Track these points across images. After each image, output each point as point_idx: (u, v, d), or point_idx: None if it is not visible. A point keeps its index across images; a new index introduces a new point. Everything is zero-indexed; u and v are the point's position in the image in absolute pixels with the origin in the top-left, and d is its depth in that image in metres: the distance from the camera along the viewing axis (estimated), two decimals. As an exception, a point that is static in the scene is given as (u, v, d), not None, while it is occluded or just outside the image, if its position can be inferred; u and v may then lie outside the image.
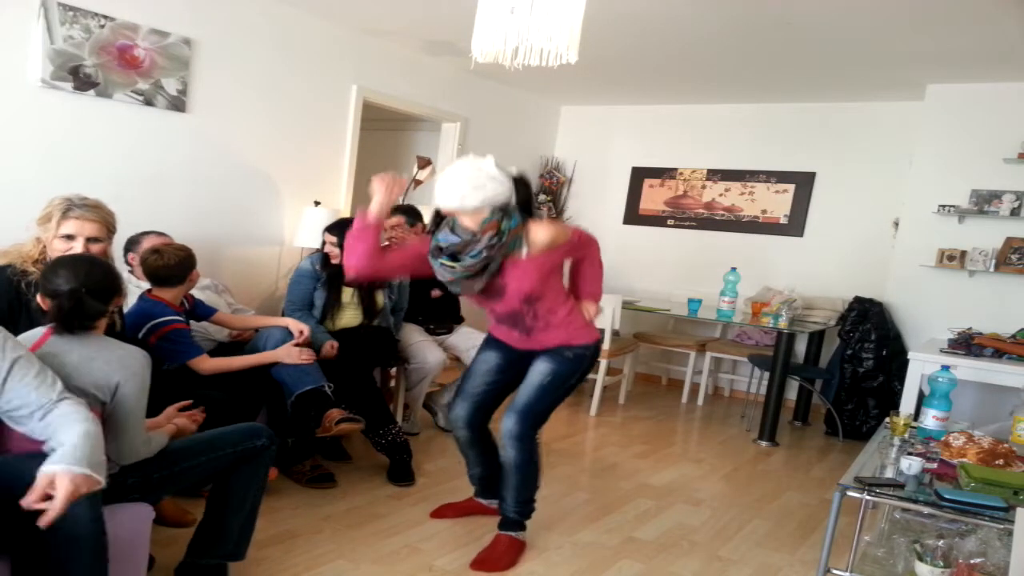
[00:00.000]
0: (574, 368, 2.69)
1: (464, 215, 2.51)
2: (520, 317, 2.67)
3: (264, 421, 3.12)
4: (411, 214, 4.13)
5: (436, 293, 4.14)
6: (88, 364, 1.83)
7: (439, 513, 3.11)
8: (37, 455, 1.63)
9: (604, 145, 6.64)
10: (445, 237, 2.55)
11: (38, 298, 1.97)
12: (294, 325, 3.21)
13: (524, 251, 2.53)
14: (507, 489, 2.76)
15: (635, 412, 5.29)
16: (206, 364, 2.92)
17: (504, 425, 2.67)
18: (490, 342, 2.87)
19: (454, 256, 2.53)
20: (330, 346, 3.41)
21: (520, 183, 2.58)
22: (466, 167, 2.49)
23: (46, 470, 1.54)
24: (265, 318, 3.36)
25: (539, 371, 2.67)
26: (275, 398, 3.14)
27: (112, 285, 1.95)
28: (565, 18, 2.43)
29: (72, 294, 1.84)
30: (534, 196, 2.73)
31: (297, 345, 3.12)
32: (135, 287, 3.00)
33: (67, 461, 1.55)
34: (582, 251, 2.76)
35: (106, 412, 1.87)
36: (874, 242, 5.45)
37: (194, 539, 2.26)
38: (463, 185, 2.45)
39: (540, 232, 2.50)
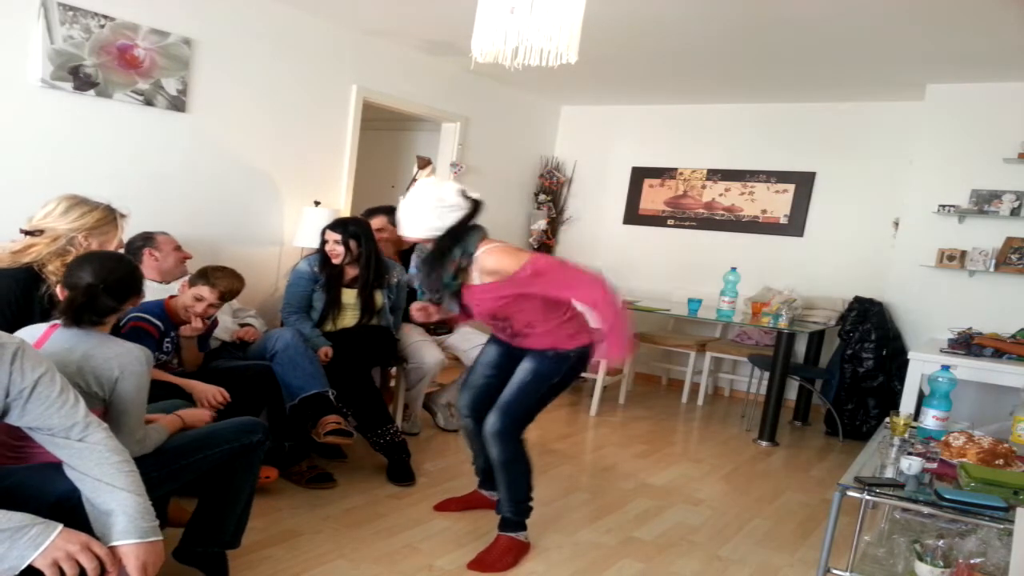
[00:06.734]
0: (555, 368, 2.67)
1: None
2: (498, 327, 2.74)
3: (265, 422, 3.12)
4: (393, 214, 4.14)
5: None
6: (89, 361, 1.85)
7: (443, 506, 3.15)
8: (58, 466, 1.67)
9: (604, 145, 6.64)
10: (413, 267, 2.69)
11: (57, 288, 2.01)
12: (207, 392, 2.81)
13: (475, 277, 2.53)
14: (500, 488, 2.79)
15: (635, 412, 5.29)
16: None
17: (486, 422, 2.70)
18: (493, 336, 2.92)
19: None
20: (323, 353, 3.37)
21: (475, 205, 2.57)
22: (423, 197, 2.49)
23: (114, 544, 1.59)
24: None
25: (523, 369, 2.69)
26: (276, 400, 3.14)
27: (131, 286, 1.99)
28: (565, 18, 2.43)
29: (88, 289, 1.88)
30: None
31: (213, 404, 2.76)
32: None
33: (130, 535, 1.60)
34: (543, 287, 2.50)
35: (104, 408, 1.88)
36: (874, 242, 5.45)
37: (189, 528, 2.26)
38: (418, 215, 2.50)
39: (488, 259, 2.50)
